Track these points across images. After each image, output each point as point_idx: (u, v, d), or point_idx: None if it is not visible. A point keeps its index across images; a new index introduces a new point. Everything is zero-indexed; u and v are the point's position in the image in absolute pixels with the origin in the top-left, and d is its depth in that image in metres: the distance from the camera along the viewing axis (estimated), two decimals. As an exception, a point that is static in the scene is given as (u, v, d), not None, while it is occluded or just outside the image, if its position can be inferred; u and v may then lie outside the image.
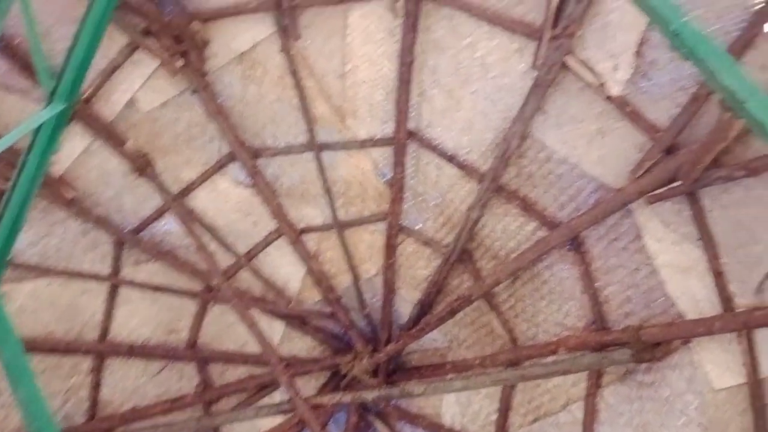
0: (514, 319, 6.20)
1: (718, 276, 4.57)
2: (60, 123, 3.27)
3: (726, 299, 4.53)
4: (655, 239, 4.91)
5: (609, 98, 4.80)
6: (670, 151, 4.66)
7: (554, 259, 5.68)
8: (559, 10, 4.74)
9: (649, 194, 4.77)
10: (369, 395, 6.04)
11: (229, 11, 5.69)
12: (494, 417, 6.32)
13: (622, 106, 4.78)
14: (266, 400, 7.08)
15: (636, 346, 4.88)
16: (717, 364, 4.60)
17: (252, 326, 5.68)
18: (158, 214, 6.68)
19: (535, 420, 5.97)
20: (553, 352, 5.55)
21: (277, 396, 7.21)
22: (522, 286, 6.02)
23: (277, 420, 6.11)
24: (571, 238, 5.45)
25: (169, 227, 6.81)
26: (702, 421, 4.72)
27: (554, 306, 5.78)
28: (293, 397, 5.50)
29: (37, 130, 3.26)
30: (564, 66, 4.91)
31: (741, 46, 4.02)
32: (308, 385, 7.41)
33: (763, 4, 3.97)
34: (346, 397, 6.01)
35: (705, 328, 4.53)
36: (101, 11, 3.20)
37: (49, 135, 3.27)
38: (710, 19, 4.19)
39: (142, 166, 6.29)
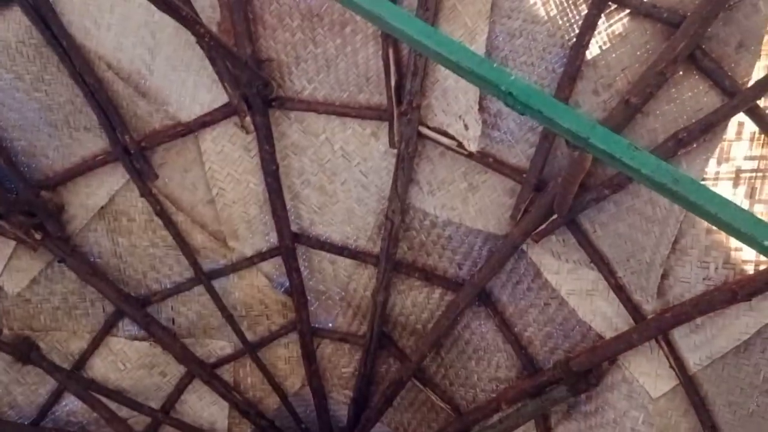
0: (450, 387, 6.12)
1: (620, 290, 4.72)
2: None
3: (634, 310, 4.66)
4: (552, 272, 5.03)
5: (470, 155, 4.95)
6: (539, 188, 4.83)
7: (469, 318, 5.70)
8: (399, 87, 4.90)
9: (533, 233, 4.91)
10: None
11: (76, 170, 5.48)
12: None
13: (483, 159, 4.94)
14: None
15: (570, 379, 4.92)
16: (648, 375, 4.69)
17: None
18: (55, 397, 6.19)
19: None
20: (496, 410, 5.50)
21: None
22: (447, 353, 5.98)
23: None
24: (478, 294, 5.50)
25: (72, 407, 6.31)
26: (653, 432, 4.77)
27: (483, 363, 5.76)
28: None
29: None
30: (420, 136, 5.04)
31: (569, 78, 4.29)
32: None
33: (575, 39, 4.27)
34: None
35: (625, 342, 4.63)
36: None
37: None
38: (534, 62, 4.47)
39: (26, 351, 5.82)
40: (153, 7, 3.69)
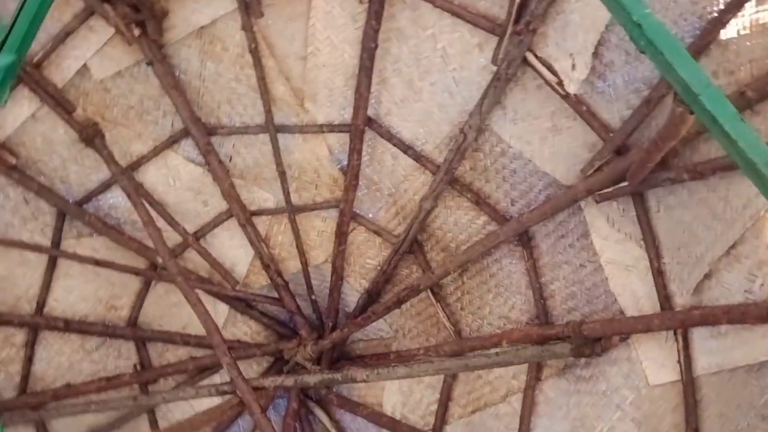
0: (460, 311, 6.26)
1: (659, 275, 4.71)
2: (7, 76, 3.13)
3: (665, 298, 4.67)
4: (600, 237, 5.03)
5: (565, 97, 4.89)
6: (620, 152, 4.78)
7: (503, 253, 5.76)
8: (522, 6, 4.81)
9: (598, 193, 4.88)
10: (311, 379, 6.00)
11: (191, -17, 5.59)
12: (434, 407, 6.37)
13: (577, 105, 4.87)
14: (206, 383, 6.97)
15: (577, 340, 4.98)
16: (653, 361, 4.74)
17: (196, 305, 5.58)
18: (104, 187, 6.51)
19: (474, 411, 6.04)
20: (497, 345, 5.61)
21: (217, 379, 7.12)
22: (469, 279, 6.09)
23: (216, 402, 6.00)
24: (521, 234, 5.55)
25: (115, 201, 6.65)
26: (636, 415, 4.85)
27: (500, 299, 5.86)
28: (235, 378, 5.42)
29: None
30: (524, 62, 4.98)
31: (695, 52, 4.15)
32: (250, 370, 7.34)
33: (716, 14, 4.11)
34: (289, 381, 5.96)
35: (644, 325, 4.65)
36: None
37: None
38: (666, 24, 4.32)
39: (91, 135, 6.10)
40: None
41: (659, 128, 3.77)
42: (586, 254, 5.24)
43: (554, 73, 4.90)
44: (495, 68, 5.16)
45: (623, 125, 4.69)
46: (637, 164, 4.37)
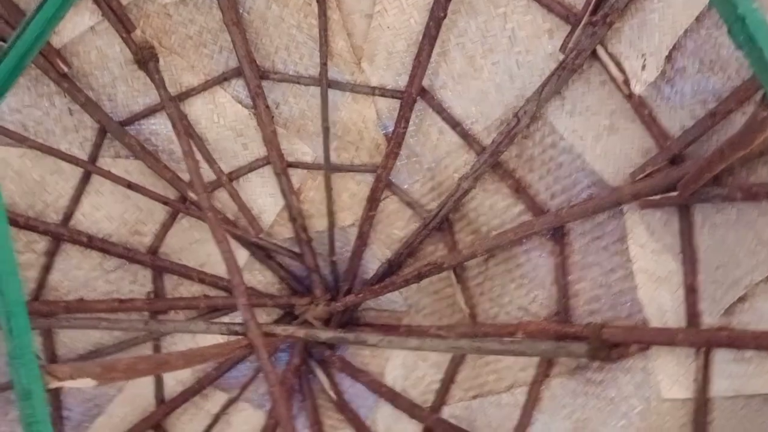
0: (478, 296, 6.23)
1: (691, 292, 4.64)
2: None
3: (693, 315, 4.61)
4: (637, 244, 4.97)
5: (628, 97, 4.81)
6: (674, 161, 4.70)
7: (533, 245, 5.72)
8: (602, -2, 4.73)
9: (644, 199, 4.81)
10: (323, 335, 6.00)
11: None
12: (436, 386, 6.36)
13: (639, 107, 4.79)
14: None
15: (594, 342, 4.94)
16: (669, 376, 4.69)
17: (222, 242, 5.58)
18: (149, 112, 6.50)
19: (476, 396, 6.02)
20: (511, 334, 5.58)
21: (227, 321, 7.14)
22: (495, 265, 6.05)
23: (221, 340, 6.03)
24: (555, 228, 5.49)
25: (157, 128, 6.65)
26: (641, 426, 4.81)
27: (522, 290, 5.82)
28: (247, 320, 5.42)
29: None
30: (593, 55, 4.90)
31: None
32: (259, 320, 7.34)
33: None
34: (300, 332, 5.96)
35: (667, 338, 4.60)
36: None
37: None
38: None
39: (146, 58, 6.07)
40: None
41: (730, 135, 3.69)
42: (619, 259, 5.18)
43: (622, 70, 4.82)
44: (561, 57, 5.08)
45: (683, 135, 4.60)
46: (694, 173, 4.30)
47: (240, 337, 5.50)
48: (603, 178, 5.11)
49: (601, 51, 4.86)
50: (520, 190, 5.71)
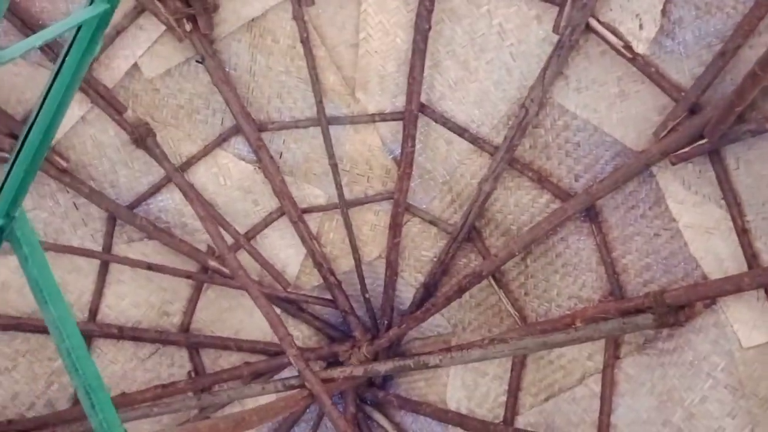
0: (523, 297, 6.10)
1: (743, 234, 4.57)
2: (101, 25, 3.07)
3: (752, 256, 4.52)
4: (677, 201, 4.91)
5: (632, 60, 4.82)
6: (693, 110, 4.68)
7: (569, 231, 5.63)
8: (583, -29, 4.78)
9: (673, 154, 4.77)
10: (382, 367, 5.83)
11: (241, -24, 5.59)
12: (503, 399, 6.16)
13: (645, 68, 4.80)
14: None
15: (659, 310, 4.82)
16: (744, 323, 4.57)
17: (259, 297, 5.44)
18: (155, 190, 6.44)
19: (548, 398, 5.83)
20: (569, 325, 5.43)
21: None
22: (533, 261, 5.94)
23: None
24: (588, 209, 5.42)
25: (165, 204, 6.57)
26: (729, 381, 4.66)
27: (569, 279, 5.70)
28: (302, 369, 5.25)
29: (77, 30, 3.03)
30: (587, 29, 4.92)
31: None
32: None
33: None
34: (358, 370, 5.79)
35: (733, 285, 4.49)
36: None
37: (90, 38, 3.05)
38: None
39: (143, 135, 6.05)
40: None
41: (733, 88, 3.67)
42: (661, 222, 5.10)
43: (620, 36, 4.84)
44: (555, 39, 5.11)
45: (696, 82, 4.61)
46: (718, 116, 4.28)
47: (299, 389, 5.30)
48: (626, 144, 5.07)
49: (593, 22, 4.89)
50: (542, 179, 5.65)
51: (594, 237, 5.46)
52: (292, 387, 5.51)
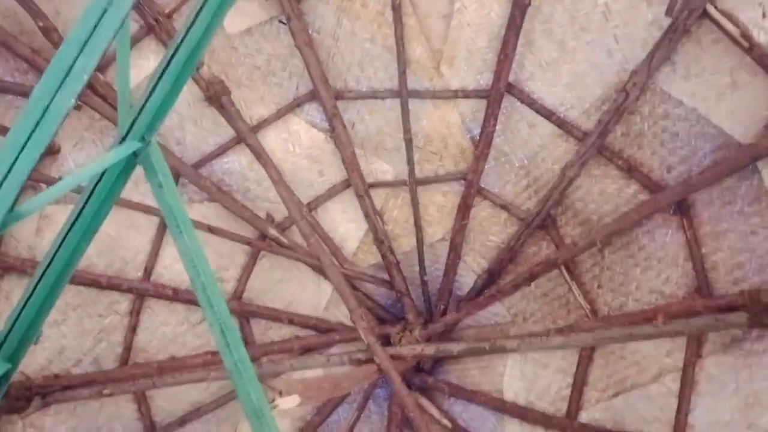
0: (596, 289, 5.93)
1: None
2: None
3: None
4: (782, 198, 4.76)
5: (748, 50, 4.66)
6: (810, 106, 4.54)
7: (657, 223, 5.46)
8: (707, -46, 4.63)
9: (786, 148, 4.62)
10: (456, 347, 5.64)
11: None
12: (566, 392, 5.98)
13: (762, 59, 4.65)
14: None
15: (754, 309, 4.66)
16: None
17: (330, 267, 5.25)
18: (222, 151, 6.25)
19: (617, 394, 5.66)
20: (649, 320, 5.27)
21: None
22: (612, 253, 5.77)
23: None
24: (679, 202, 5.26)
25: (230, 166, 6.38)
26: (829, 386, 4.51)
27: (651, 273, 5.53)
28: (372, 343, 5.07)
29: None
30: (703, 14, 4.77)
31: None
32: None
33: None
34: (429, 349, 5.61)
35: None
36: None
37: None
38: None
39: (218, 93, 5.85)
40: None
41: None
42: (759, 220, 4.95)
43: (737, 24, 4.68)
44: (664, 23, 4.96)
45: (819, 77, 4.45)
46: None
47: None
48: (733, 137, 4.91)
49: (710, 8, 4.73)
50: (631, 169, 5.49)
51: (684, 231, 5.30)
52: (358, 361, 5.31)
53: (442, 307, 6.69)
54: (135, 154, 2.60)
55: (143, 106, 2.68)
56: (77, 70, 2.12)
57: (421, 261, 6.66)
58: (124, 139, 2.57)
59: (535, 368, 6.21)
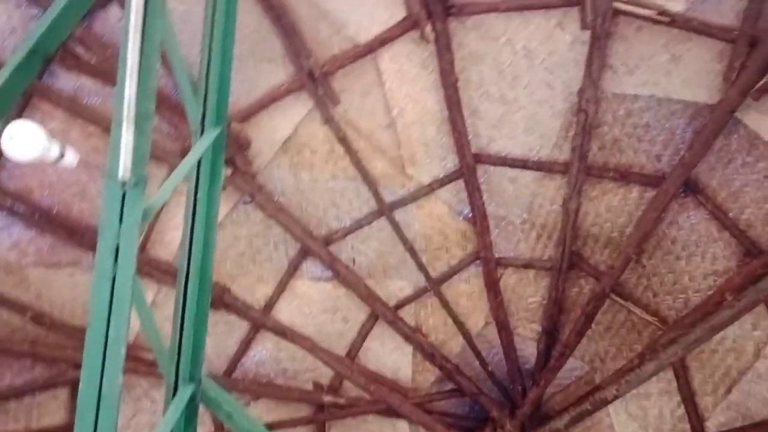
0: (654, 299, 5.76)
1: None
2: (219, 148, 2.94)
3: None
4: (775, 134, 4.75)
5: (671, 23, 4.79)
6: (752, 44, 4.62)
7: (674, 212, 5.40)
8: (590, -38, 4.84)
9: (753, 90, 4.65)
10: (559, 423, 5.32)
11: (261, 104, 5.54)
12: (680, 411, 5.67)
13: (687, 24, 4.76)
14: None
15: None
16: None
17: (403, 405, 5.02)
18: (245, 346, 6.11)
19: (729, 389, 5.37)
20: (719, 303, 5.09)
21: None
22: (649, 259, 5.65)
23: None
24: (685, 183, 5.22)
25: (260, 357, 6.22)
26: None
27: (696, 259, 5.41)
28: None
29: (198, 164, 2.90)
30: (615, 12, 4.92)
31: None
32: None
33: None
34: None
35: None
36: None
37: (212, 162, 2.91)
38: None
39: (218, 294, 5.80)
40: None
41: None
42: (765, 164, 4.92)
43: (649, 6, 4.83)
44: (585, 38, 5.10)
45: (745, 15, 4.56)
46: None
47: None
48: (700, 102, 4.95)
49: (619, 4, 4.89)
50: (624, 175, 5.48)
51: (704, 206, 5.24)
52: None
53: (520, 388, 6.43)
54: (192, 398, 2.49)
55: (179, 349, 2.61)
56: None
57: (477, 354, 6.47)
58: (176, 387, 2.48)
59: (639, 402, 5.92)
